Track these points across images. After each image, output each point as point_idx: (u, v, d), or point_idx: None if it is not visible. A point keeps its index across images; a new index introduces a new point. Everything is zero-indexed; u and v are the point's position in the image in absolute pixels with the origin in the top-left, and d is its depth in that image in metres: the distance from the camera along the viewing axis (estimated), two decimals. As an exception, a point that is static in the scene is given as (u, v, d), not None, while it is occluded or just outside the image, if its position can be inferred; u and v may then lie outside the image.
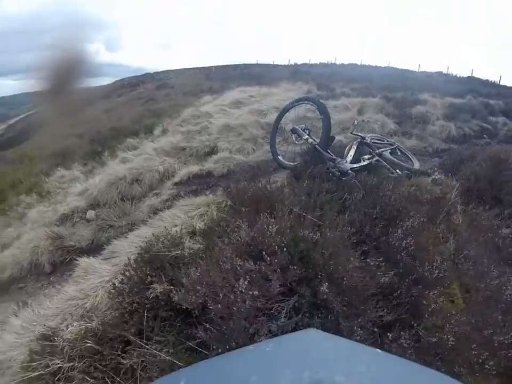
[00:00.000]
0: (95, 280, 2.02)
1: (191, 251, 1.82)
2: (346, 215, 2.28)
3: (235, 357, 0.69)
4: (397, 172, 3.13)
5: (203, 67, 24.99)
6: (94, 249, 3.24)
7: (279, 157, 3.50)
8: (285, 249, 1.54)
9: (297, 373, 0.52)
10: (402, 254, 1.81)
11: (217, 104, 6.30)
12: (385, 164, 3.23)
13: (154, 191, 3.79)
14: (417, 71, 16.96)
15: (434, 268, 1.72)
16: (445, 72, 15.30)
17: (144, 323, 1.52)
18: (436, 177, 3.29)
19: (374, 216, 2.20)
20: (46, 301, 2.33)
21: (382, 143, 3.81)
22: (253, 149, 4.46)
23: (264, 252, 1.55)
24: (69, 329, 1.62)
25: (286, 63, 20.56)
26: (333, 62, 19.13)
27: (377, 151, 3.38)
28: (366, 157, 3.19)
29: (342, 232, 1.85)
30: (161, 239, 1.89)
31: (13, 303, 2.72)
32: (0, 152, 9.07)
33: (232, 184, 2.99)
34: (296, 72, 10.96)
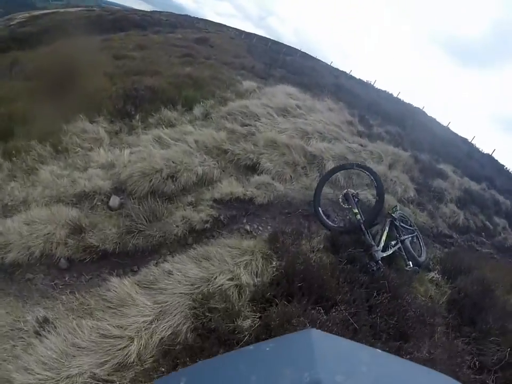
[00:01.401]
0: (137, 317, 1.96)
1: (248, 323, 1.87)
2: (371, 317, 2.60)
3: (235, 357, 0.70)
4: (409, 265, 3.44)
5: (243, 31, 23.63)
6: (119, 254, 2.95)
7: (320, 209, 3.66)
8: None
9: (297, 373, 0.52)
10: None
11: (264, 104, 6.12)
12: (404, 254, 3.54)
13: (188, 197, 3.65)
14: (444, 125, 17.24)
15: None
16: (469, 141, 15.70)
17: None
18: (434, 276, 3.80)
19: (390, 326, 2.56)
20: (73, 322, 2.09)
21: (406, 227, 4.07)
22: (291, 177, 4.45)
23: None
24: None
25: (326, 61, 19.87)
26: (370, 82, 18.83)
27: (402, 238, 3.65)
28: (393, 243, 3.46)
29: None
30: (215, 297, 1.91)
31: (21, 301, 2.45)
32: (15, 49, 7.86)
33: (279, 235, 3.07)
34: (339, 87, 10.68)
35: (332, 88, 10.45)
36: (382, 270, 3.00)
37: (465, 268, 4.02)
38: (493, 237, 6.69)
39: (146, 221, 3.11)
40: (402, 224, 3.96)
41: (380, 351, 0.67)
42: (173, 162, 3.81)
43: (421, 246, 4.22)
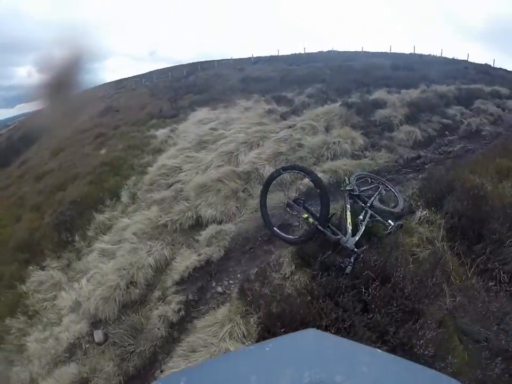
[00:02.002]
0: None
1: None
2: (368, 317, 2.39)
3: (235, 357, 0.70)
4: (389, 224, 3.21)
5: (143, 74, 23.34)
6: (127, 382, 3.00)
7: (275, 229, 3.44)
8: None
9: (297, 373, 0.52)
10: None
11: (180, 149, 5.87)
12: (378, 217, 3.31)
13: (155, 292, 3.54)
14: (361, 51, 17.36)
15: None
16: (387, 51, 15.82)
17: None
18: (421, 216, 3.53)
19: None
20: None
21: (367, 189, 3.85)
22: (237, 208, 4.17)
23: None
24: None
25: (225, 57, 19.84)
26: (275, 55, 18.85)
27: (368, 204, 3.43)
28: (361, 217, 3.22)
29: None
30: None
31: None
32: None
33: (247, 287, 2.87)
34: (246, 82, 10.53)
35: (239, 85, 10.31)
36: (359, 258, 2.76)
37: (446, 186, 3.76)
38: (457, 128, 6.59)
39: (132, 339, 3.20)
40: (362, 189, 3.74)
41: (379, 351, 0.66)
42: (124, 269, 3.75)
43: (394, 193, 3.99)
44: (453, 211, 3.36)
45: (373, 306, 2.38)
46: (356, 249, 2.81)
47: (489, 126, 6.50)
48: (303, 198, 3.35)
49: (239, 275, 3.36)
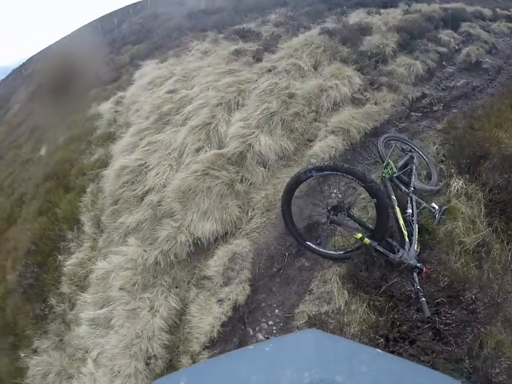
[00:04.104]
0: None
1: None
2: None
3: (235, 357, 0.67)
4: (434, 209, 2.58)
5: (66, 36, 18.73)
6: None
7: (310, 244, 2.64)
8: None
9: (297, 373, 0.50)
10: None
11: (136, 133, 4.41)
12: (423, 203, 2.63)
13: (183, 359, 2.51)
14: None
15: None
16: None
17: None
18: (457, 185, 2.95)
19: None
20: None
21: (401, 160, 3.06)
22: (241, 208, 3.16)
23: None
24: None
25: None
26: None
27: (411, 188, 2.70)
28: (409, 211, 2.47)
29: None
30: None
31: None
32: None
33: None
34: (193, 17, 8.29)
35: (186, 23, 8.06)
36: (421, 273, 2.09)
37: (479, 150, 3.17)
38: (453, 58, 5.55)
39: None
40: (398, 164, 2.87)
41: (380, 351, 0.63)
42: (132, 345, 2.63)
43: (428, 165, 3.23)
44: (492, 184, 2.88)
45: (447, 335, 1.95)
46: (418, 265, 2.10)
47: (487, 56, 5.56)
48: (346, 204, 2.27)
49: (276, 310, 2.53)
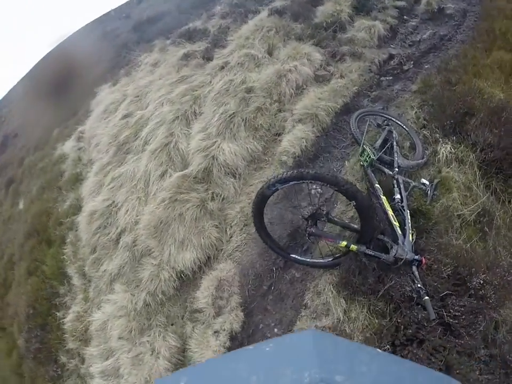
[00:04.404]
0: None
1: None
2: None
3: (235, 357, 0.68)
4: (425, 185, 2.31)
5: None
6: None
7: (295, 256, 2.35)
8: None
9: (297, 373, 0.51)
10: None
11: (100, 170, 4.15)
12: (412, 182, 2.35)
13: None
14: None
15: None
16: None
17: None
18: (445, 151, 2.66)
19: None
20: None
21: (378, 136, 2.81)
22: (217, 227, 2.92)
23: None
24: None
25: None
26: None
27: (395, 169, 2.38)
28: (398, 197, 2.18)
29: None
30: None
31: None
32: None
33: None
34: (138, 29, 7.85)
35: (133, 37, 7.63)
36: (421, 265, 1.85)
37: (462, 106, 2.87)
38: (414, 10, 5.07)
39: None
40: (375, 144, 2.62)
41: (380, 351, 0.62)
42: None
43: (408, 133, 2.93)
44: (483, 143, 2.61)
45: (458, 327, 1.77)
46: (416, 257, 1.84)
47: (448, 1, 5.07)
48: (324, 209, 1.99)
49: (275, 329, 2.35)
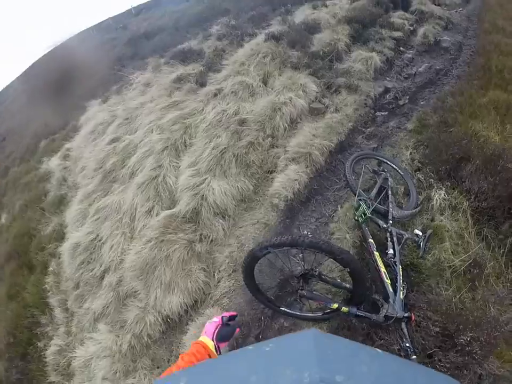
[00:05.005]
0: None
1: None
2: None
3: (235, 357, 0.66)
4: (418, 237, 2.25)
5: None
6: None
7: (285, 309, 2.23)
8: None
9: (297, 373, 0.51)
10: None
11: (84, 198, 4.02)
12: (405, 234, 2.28)
13: None
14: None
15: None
16: None
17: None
18: (439, 197, 2.61)
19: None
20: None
21: (372, 183, 2.82)
22: (205, 271, 2.82)
23: None
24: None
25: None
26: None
27: (389, 222, 2.31)
28: (391, 252, 2.10)
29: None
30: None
31: None
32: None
33: None
34: (133, 43, 7.72)
35: (127, 51, 7.50)
36: (410, 323, 1.81)
37: (458, 151, 2.83)
38: (409, 41, 5.16)
39: None
40: (370, 195, 2.55)
41: (380, 351, 0.62)
42: None
43: (402, 177, 2.85)
44: (477, 191, 2.57)
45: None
46: (406, 314, 1.79)
47: (445, 33, 5.24)
48: (316, 270, 1.89)
49: None
